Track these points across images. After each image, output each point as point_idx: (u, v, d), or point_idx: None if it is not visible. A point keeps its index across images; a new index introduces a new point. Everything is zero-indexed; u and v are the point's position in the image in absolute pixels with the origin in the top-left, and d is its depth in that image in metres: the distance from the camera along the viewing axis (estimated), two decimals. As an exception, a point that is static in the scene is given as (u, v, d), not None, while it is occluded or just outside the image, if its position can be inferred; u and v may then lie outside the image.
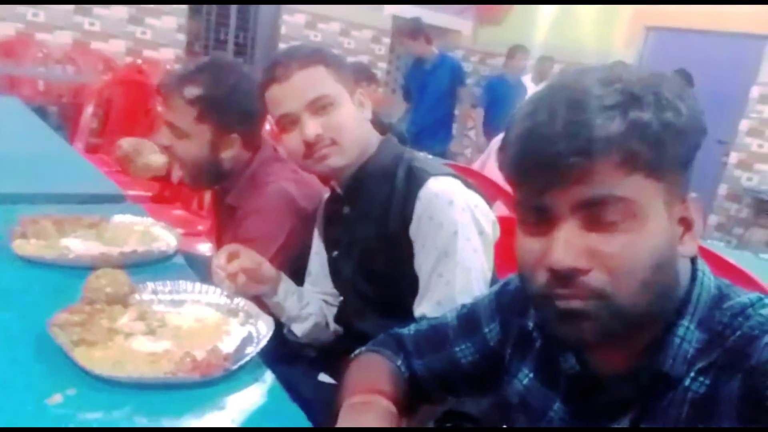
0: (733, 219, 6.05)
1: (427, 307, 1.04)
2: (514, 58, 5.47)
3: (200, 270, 1.17)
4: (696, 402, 0.58)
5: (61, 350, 0.77)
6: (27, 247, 1.11)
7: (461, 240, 1.02)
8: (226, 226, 1.42)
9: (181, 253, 1.28)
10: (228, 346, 0.86)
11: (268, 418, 0.76)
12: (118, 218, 1.34)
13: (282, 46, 6.17)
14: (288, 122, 1.09)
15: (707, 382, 0.58)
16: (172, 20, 5.65)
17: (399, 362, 0.87)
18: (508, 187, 0.65)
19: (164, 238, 1.29)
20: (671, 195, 0.58)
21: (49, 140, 2.26)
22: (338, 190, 1.19)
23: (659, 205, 0.57)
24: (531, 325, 0.77)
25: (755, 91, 5.89)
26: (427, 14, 5.81)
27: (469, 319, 0.86)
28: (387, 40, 7.41)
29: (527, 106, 0.60)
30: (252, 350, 0.86)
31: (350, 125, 1.10)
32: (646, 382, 0.61)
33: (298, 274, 1.26)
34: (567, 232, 0.57)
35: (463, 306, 0.89)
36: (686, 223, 0.61)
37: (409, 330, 0.91)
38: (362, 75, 3.34)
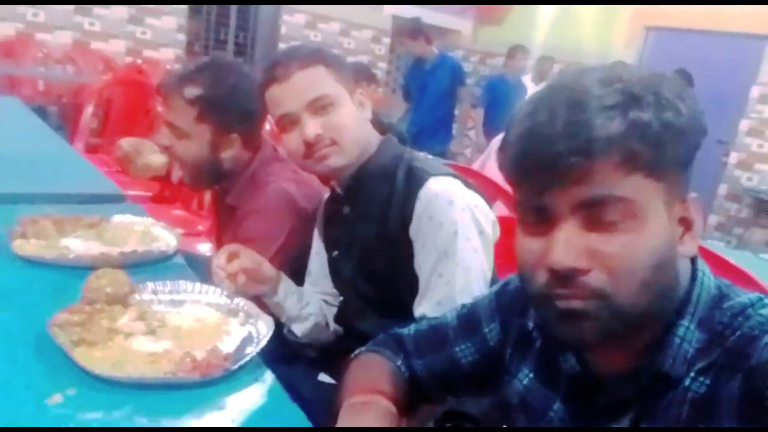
0: (733, 219, 6.05)
1: (427, 307, 1.04)
2: (514, 58, 5.47)
3: (200, 270, 1.17)
4: (696, 402, 0.58)
5: (61, 350, 0.77)
6: (27, 247, 1.11)
7: (461, 240, 1.02)
8: (226, 226, 1.42)
9: (181, 253, 1.28)
10: (228, 346, 0.86)
11: (268, 418, 0.76)
12: (118, 218, 1.34)
13: (282, 46, 6.17)
14: (288, 122, 1.09)
15: (707, 382, 0.58)
16: (172, 20, 5.65)
17: (399, 362, 0.87)
18: (508, 187, 0.65)
19: (164, 238, 1.28)
20: (671, 195, 0.58)
21: (49, 140, 2.26)
22: (338, 190, 1.19)
23: (659, 205, 0.57)
24: (531, 325, 0.77)
25: (755, 91, 5.89)
26: (427, 14, 5.80)
27: (469, 319, 0.86)
28: (387, 40, 7.40)
29: (527, 106, 0.60)
30: (252, 350, 0.86)
31: (350, 125, 1.10)
32: (646, 382, 0.61)
33: (298, 274, 1.26)
34: (567, 232, 0.57)
35: (463, 306, 0.89)
36: (686, 223, 0.61)
37: (409, 330, 0.91)
38: (362, 75, 3.34)
